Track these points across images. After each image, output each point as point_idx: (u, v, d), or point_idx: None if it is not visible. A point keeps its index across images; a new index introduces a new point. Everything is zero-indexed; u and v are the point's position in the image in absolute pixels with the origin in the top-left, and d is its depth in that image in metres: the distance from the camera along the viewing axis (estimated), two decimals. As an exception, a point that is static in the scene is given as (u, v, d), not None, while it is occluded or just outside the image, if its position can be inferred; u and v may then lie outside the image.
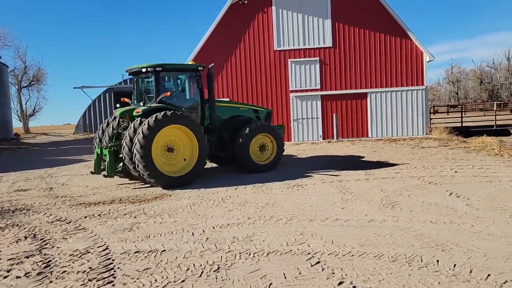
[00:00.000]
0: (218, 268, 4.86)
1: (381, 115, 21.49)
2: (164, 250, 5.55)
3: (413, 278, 4.37)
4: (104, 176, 10.92)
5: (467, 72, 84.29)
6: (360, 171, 11.56)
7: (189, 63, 12.18)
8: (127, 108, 11.24)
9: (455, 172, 10.77)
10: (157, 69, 10.77)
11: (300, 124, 22.19)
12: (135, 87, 11.78)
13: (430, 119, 23.62)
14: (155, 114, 10.08)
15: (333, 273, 4.58)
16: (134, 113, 10.58)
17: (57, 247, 5.84)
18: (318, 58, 21.40)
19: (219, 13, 21.34)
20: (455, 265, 4.65)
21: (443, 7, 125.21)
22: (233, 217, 7.15)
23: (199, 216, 7.35)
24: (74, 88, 41.93)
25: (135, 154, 9.84)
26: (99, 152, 11.09)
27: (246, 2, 21.18)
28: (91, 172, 11.52)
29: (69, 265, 5.13)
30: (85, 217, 7.58)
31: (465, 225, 6.16)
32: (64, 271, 4.93)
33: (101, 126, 12.20)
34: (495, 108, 32.70)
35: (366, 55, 21.20)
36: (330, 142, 20.79)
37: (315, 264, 4.87)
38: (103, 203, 8.76)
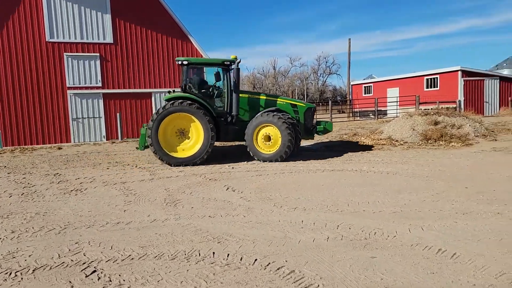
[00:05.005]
0: (-34, 297, 4.01)
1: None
2: None
3: (191, 273, 4.49)
4: (136, 148, 13.67)
5: (243, 78, 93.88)
6: (145, 172, 11.43)
7: (231, 57, 12.91)
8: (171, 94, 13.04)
9: (232, 168, 11.74)
10: (184, 62, 12.66)
11: (80, 124, 20.65)
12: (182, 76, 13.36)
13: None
14: (166, 103, 12.13)
15: (110, 280, 4.33)
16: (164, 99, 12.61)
17: None
18: (98, 54, 20.25)
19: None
20: (228, 254, 4.99)
21: (221, 17, 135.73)
22: (-9, 233, 6.05)
23: None
24: None
25: (147, 134, 12.14)
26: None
27: None
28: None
29: None
30: None
31: (238, 216, 6.73)
32: None
33: None
34: (264, 110, 37.35)
35: (149, 54, 21.15)
36: (114, 142, 19.95)
37: (91, 273, 4.51)
38: None
